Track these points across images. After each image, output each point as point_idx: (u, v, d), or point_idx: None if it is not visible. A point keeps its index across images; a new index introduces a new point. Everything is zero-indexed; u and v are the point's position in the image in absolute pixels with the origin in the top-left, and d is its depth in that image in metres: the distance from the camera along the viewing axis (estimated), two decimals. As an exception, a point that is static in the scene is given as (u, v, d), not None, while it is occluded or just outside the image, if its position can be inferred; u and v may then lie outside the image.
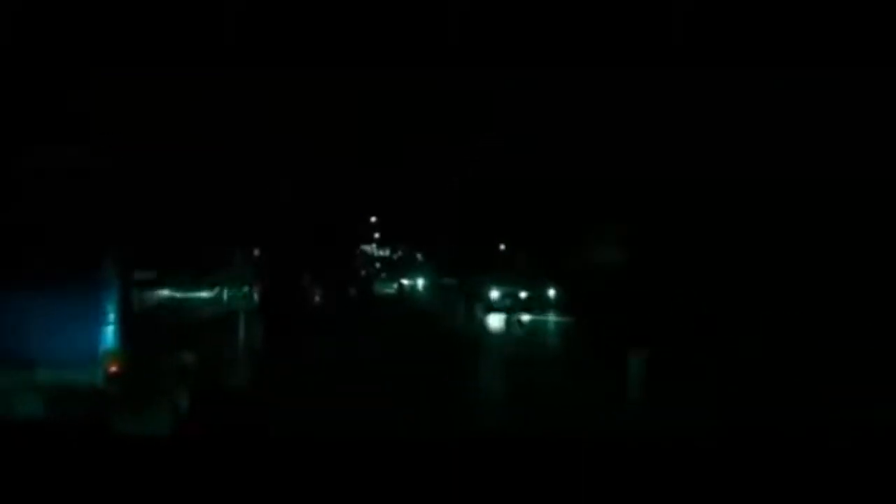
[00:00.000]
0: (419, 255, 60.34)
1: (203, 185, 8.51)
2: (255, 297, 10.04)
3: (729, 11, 10.33)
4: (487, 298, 27.54)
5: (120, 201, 6.19)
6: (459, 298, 29.95)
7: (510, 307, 25.60)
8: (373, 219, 57.24)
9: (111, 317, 5.90)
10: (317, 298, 24.31)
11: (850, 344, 11.77)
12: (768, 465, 3.77)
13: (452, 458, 3.80)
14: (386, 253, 70.40)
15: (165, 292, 7.01)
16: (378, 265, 64.45)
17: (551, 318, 25.33)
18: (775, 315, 14.69)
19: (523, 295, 26.99)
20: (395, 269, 60.79)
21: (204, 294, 7.99)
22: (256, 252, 10.18)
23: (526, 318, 23.37)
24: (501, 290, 27.53)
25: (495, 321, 24.04)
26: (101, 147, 7.00)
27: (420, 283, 52.47)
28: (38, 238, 5.98)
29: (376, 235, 64.70)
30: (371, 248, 67.07)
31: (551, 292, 27.42)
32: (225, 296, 8.72)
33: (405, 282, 54.57)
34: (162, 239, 6.87)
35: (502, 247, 35.07)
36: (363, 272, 49.41)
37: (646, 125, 19.45)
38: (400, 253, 68.55)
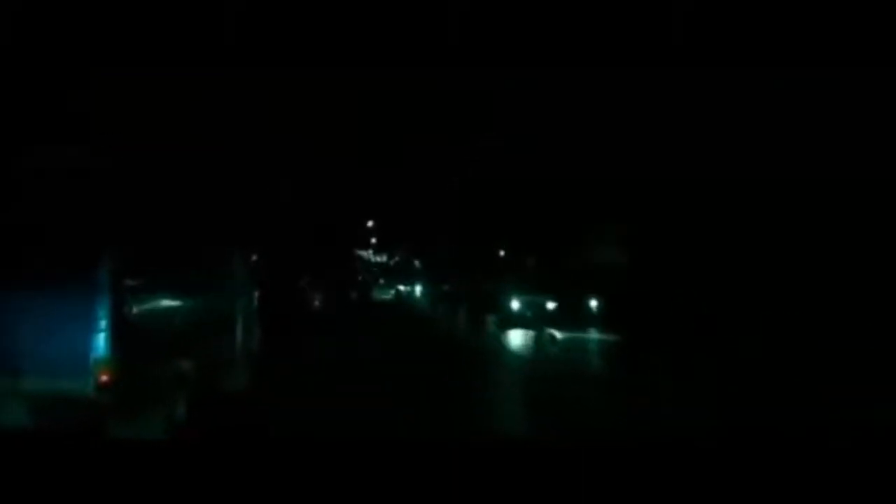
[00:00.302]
0: (416, 262, 60.15)
1: (202, 186, 8.41)
2: (255, 299, 9.85)
3: (729, 11, 10.32)
4: (506, 309, 22.90)
5: (115, 203, 5.98)
6: (463, 308, 25.75)
7: (533, 320, 20.99)
8: (370, 223, 55.67)
9: (104, 323, 5.63)
10: (316, 302, 24.20)
11: (851, 344, 11.76)
12: (769, 465, 3.77)
13: (453, 459, 3.80)
14: (383, 259, 70.13)
15: (162, 296, 6.69)
16: (375, 271, 64.27)
17: (593, 335, 20.21)
18: (776, 315, 14.66)
19: (550, 305, 22.22)
20: (393, 275, 60.81)
21: (203, 297, 7.66)
22: (255, 257, 10.06)
23: (559, 334, 18.38)
24: (523, 299, 22.88)
25: (517, 338, 19.48)
26: (101, 147, 6.90)
27: (417, 289, 52.24)
28: (29, 240, 5.76)
29: (373, 241, 64.11)
30: (368, 254, 66.62)
31: (592, 303, 22.34)
32: (225, 298, 8.51)
33: (402, 288, 54.72)
34: (159, 241, 6.60)
35: (502, 252, 34.35)
36: (360, 277, 49.39)
37: (646, 125, 19.46)
38: (397, 259, 68.36)
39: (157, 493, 3.29)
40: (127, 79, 11.67)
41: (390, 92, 24.96)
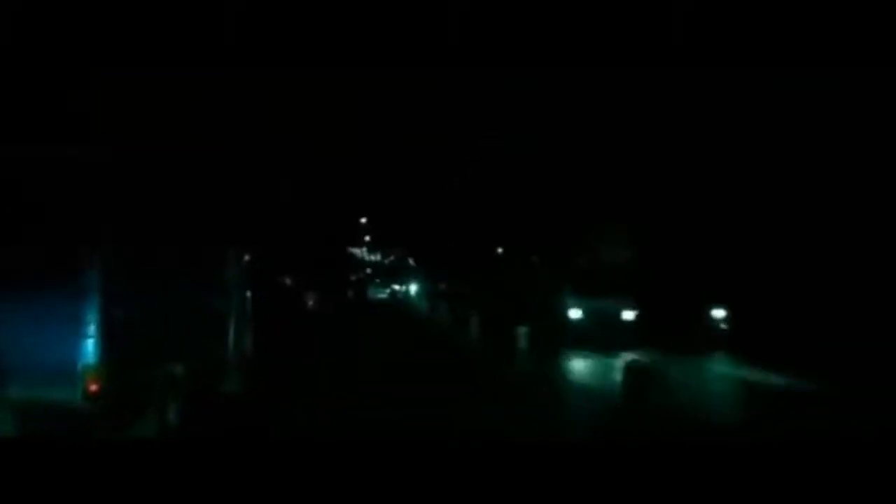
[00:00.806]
0: (411, 260, 59.46)
1: (193, 185, 8.30)
2: (248, 300, 9.72)
3: (729, 11, 10.33)
4: (558, 320, 15.28)
5: (104, 203, 5.66)
6: (471, 313, 17.71)
7: (607, 338, 13.94)
8: (363, 220, 53.24)
9: (92, 328, 5.30)
10: (310, 302, 24.06)
11: (855, 344, 11.70)
12: (771, 467, 3.76)
13: (454, 460, 3.79)
14: (377, 258, 69.61)
15: (153, 298, 6.32)
16: (369, 270, 63.94)
17: (719, 366, 12.56)
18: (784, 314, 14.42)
19: (629, 316, 14.93)
20: (387, 274, 60.54)
21: (194, 298, 7.36)
22: (247, 256, 9.91)
23: (663, 363, 11.26)
24: (587, 305, 15.13)
25: (581, 366, 12.59)
26: (91, 145, 6.67)
27: (413, 288, 51.62)
28: (15, 240, 5.46)
29: (367, 238, 63.13)
30: (361, 252, 65.72)
31: (719, 313, 15.06)
32: (217, 299, 8.36)
33: (397, 287, 54.63)
34: (149, 242, 6.27)
35: (500, 250, 33.94)
36: (353, 277, 49.33)
37: (646, 125, 19.47)
38: (392, 258, 67.87)
39: (148, 495, 3.26)
40: (127, 79, 11.67)
41: (390, 92, 25.01)
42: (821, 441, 5.61)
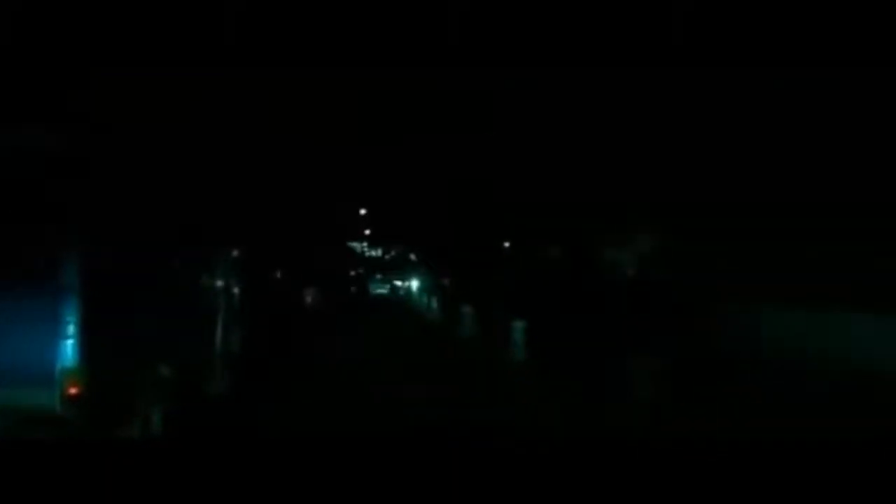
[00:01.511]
0: (412, 255, 58.88)
1: (189, 183, 8.20)
2: (237, 297, 9.58)
3: (729, 11, 10.32)
4: None
5: (87, 196, 5.35)
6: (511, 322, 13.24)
7: None
8: (362, 211, 50.38)
9: (71, 328, 4.98)
10: (308, 299, 23.89)
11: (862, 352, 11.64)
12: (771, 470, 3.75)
13: (452, 459, 3.78)
14: (377, 253, 69.00)
15: (137, 297, 5.98)
16: (370, 265, 63.45)
17: None
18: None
19: None
20: (388, 269, 60.43)
21: (180, 296, 7.12)
22: (236, 252, 9.78)
23: None
24: None
25: None
26: (78, 134, 6.42)
27: (414, 284, 51.06)
28: None
29: (366, 232, 61.91)
30: (361, 247, 64.68)
31: None
32: (203, 297, 8.14)
33: (399, 283, 54.56)
34: (134, 238, 5.98)
35: (506, 244, 33.71)
36: (352, 272, 49.07)
37: (646, 125, 19.46)
38: (393, 253, 67.37)
39: (133, 499, 3.22)
40: (126, 79, 11.66)
41: (390, 92, 25.00)
42: None
